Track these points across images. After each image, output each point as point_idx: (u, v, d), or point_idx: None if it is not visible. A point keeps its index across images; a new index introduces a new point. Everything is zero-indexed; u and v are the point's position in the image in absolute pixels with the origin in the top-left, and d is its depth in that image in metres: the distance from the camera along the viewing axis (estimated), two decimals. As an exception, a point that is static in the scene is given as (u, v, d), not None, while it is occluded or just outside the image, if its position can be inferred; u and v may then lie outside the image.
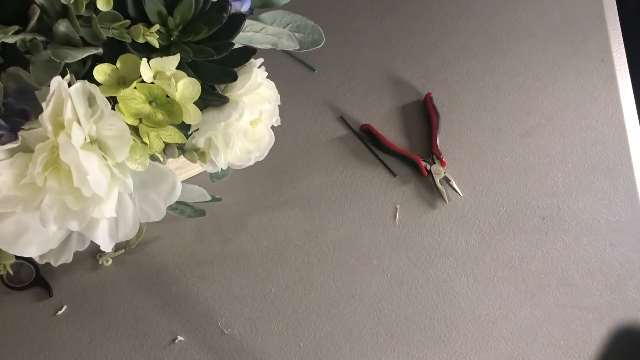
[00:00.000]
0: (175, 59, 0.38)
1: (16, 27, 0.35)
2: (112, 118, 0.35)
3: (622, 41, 0.79)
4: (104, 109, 0.35)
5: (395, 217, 0.67)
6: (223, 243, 0.64)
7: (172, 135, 0.39)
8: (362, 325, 0.62)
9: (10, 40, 0.35)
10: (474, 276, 0.65)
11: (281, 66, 0.74)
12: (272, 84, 0.49)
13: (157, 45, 0.38)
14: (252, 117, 0.46)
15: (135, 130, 0.38)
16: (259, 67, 0.46)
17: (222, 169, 0.47)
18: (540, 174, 0.70)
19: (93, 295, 0.60)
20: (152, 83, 0.37)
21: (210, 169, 0.46)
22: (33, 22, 0.36)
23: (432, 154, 0.69)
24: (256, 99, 0.46)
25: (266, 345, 0.60)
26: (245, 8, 0.45)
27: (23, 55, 0.37)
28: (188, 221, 0.64)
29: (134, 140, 0.37)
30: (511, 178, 0.70)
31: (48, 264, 0.60)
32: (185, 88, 0.38)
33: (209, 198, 0.52)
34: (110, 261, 0.61)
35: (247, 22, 0.47)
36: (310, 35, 0.50)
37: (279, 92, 0.72)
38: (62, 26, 0.36)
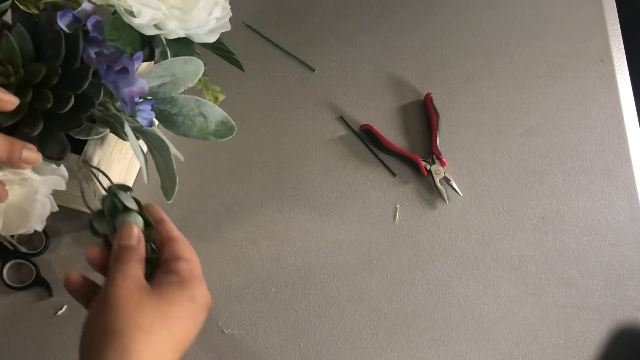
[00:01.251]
0: None
1: None
2: None
3: (622, 41, 0.79)
4: None
5: (395, 217, 0.67)
6: (223, 243, 0.64)
7: None
8: (362, 325, 0.62)
9: None
10: (474, 276, 0.65)
11: (281, 66, 0.74)
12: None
13: None
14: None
15: None
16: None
17: None
18: (540, 174, 0.70)
19: (93, 295, 0.60)
20: None
21: None
22: None
23: (432, 154, 0.69)
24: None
25: (266, 345, 0.60)
26: (145, 118, 0.41)
27: None
28: (188, 221, 0.64)
29: None
30: (511, 178, 0.70)
31: (48, 263, 0.60)
32: None
33: None
34: (110, 261, 0.61)
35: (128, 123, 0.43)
36: (168, 180, 0.45)
37: (279, 92, 0.72)
38: None
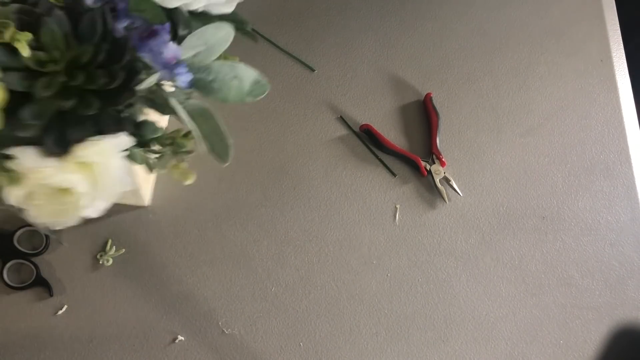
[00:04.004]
0: None
1: None
2: None
3: (622, 41, 0.80)
4: None
5: (395, 217, 0.67)
6: (223, 243, 0.64)
7: None
8: (362, 325, 0.62)
9: None
10: (474, 276, 0.65)
11: (281, 66, 0.74)
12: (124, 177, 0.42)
13: (25, 52, 0.35)
14: (61, 185, 0.38)
15: None
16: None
17: None
18: (540, 174, 0.70)
19: (93, 295, 0.60)
20: None
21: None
22: None
23: (432, 154, 0.69)
24: (85, 172, 0.39)
25: (266, 345, 0.60)
26: (183, 81, 0.41)
27: None
28: (188, 221, 0.64)
29: None
30: (511, 178, 0.70)
31: (48, 263, 0.60)
32: None
33: None
34: (111, 261, 0.61)
35: (175, 91, 0.43)
36: (219, 144, 0.45)
37: (279, 92, 0.72)
38: None
